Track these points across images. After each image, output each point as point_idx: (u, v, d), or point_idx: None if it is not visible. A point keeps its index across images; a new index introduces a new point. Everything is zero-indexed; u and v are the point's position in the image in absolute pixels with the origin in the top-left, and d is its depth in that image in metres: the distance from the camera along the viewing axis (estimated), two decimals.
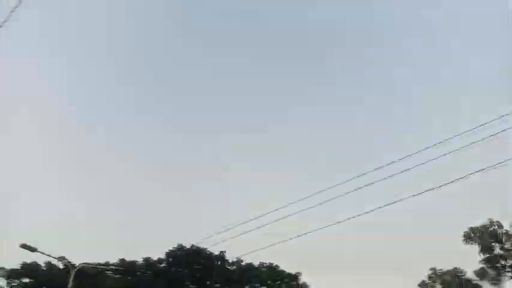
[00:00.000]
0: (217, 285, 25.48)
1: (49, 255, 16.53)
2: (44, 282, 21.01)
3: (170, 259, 24.53)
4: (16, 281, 21.75)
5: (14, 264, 22.38)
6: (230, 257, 25.35)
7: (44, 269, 21.69)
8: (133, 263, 25.50)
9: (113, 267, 22.61)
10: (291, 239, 12.66)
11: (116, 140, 62.96)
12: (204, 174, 52.33)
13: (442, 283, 21.61)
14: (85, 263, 18.14)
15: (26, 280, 21.56)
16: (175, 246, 24.45)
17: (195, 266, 24.80)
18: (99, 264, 23.54)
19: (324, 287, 24.60)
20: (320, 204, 10.89)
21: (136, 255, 25.72)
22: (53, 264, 22.01)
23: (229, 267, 25.29)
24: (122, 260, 25.09)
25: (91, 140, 59.12)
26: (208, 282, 25.85)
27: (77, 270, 21.63)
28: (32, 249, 16.23)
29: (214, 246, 24.21)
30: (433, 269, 22.93)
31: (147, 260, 25.42)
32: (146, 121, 61.98)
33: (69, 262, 17.58)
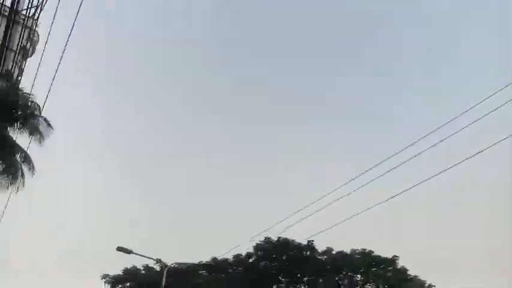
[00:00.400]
0: (308, 276, 24.62)
1: (144, 256, 17.16)
2: (144, 283, 22.12)
3: (259, 253, 24.28)
4: (120, 286, 23.28)
5: (116, 270, 24.16)
6: (320, 246, 24.43)
7: (143, 272, 22.87)
8: (224, 260, 25.82)
9: (204, 263, 22.98)
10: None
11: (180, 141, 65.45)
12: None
13: None
14: (177, 262, 18.58)
15: (128, 284, 22.91)
16: (262, 240, 24.19)
17: (284, 258, 24.27)
18: (192, 264, 24.28)
19: (423, 271, 22.21)
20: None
21: (228, 254, 26.10)
22: (150, 266, 23.15)
23: (319, 257, 24.22)
24: (214, 259, 25.53)
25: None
26: (298, 274, 25.15)
27: (171, 270, 22.56)
28: (128, 252, 16.97)
29: (300, 235, 23.65)
30: None
31: (237, 257, 25.56)
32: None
33: (162, 262, 18.14)
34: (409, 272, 21.85)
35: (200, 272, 24.67)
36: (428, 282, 21.27)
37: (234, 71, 69.69)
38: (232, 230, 38.41)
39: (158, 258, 17.61)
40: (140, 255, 16.96)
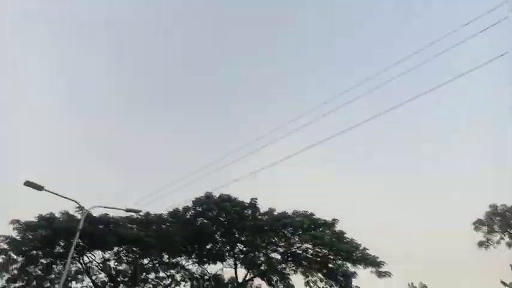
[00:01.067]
0: (246, 236, 23.64)
1: (58, 195, 14.62)
2: (61, 232, 19.43)
3: (198, 208, 22.61)
4: (31, 233, 20.27)
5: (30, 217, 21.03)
6: (262, 206, 23.44)
7: (61, 219, 20.07)
8: (159, 216, 23.86)
9: (136, 214, 20.73)
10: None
11: None
12: None
13: (502, 220, 18.90)
14: (99, 206, 16.26)
15: (43, 232, 19.99)
16: (203, 195, 22.50)
17: (224, 217, 22.93)
18: (120, 217, 21.92)
19: (360, 235, 22.31)
20: None
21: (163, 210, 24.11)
22: (70, 214, 20.45)
23: (260, 217, 23.22)
24: (147, 214, 23.44)
25: None
26: (237, 234, 24.07)
27: (97, 220, 20.07)
28: (39, 188, 14.38)
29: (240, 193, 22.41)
30: (493, 206, 20.12)
31: (173, 212, 23.72)
32: None
33: (80, 204, 15.71)
34: (346, 235, 21.78)
35: (130, 225, 22.40)
36: (363, 246, 21.27)
37: None
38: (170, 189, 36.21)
39: (74, 199, 15.14)
40: (53, 193, 14.39)
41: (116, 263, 22.24)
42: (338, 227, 22.17)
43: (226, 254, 25.96)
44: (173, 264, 24.66)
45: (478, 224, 20.60)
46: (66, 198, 15.27)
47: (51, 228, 19.29)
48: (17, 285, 21.42)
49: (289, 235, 23.05)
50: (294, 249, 23.69)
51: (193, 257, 25.85)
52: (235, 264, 24.51)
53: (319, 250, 22.98)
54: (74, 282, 22.32)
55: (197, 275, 26.57)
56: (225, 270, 26.07)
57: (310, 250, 23.43)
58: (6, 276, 20.41)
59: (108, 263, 21.84)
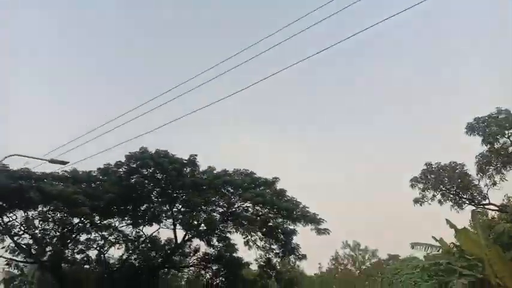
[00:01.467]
0: (185, 195, 22.78)
1: None
2: None
3: (131, 164, 21.19)
4: None
5: None
6: (202, 164, 22.61)
7: None
8: (88, 173, 22.10)
9: (62, 170, 18.91)
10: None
11: None
12: None
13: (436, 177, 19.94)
14: (17, 155, 14.43)
15: None
16: (137, 151, 21.03)
17: (161, 173, 21.81)
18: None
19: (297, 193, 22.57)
20: None
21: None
22: None
23: (199, 176, 22.41)
24: (74, 171, 21.57)
25: None
26: (175, 194, 23.17)
27: (16, 175, 17.98)
28: None
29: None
30: (429, 164, 21.15)
31: (104, 168, 22.06)
32: None
33: None
34: (287, 193, 21.84)
35: (55, 183, 20.43)
36: (303, 204, 21.51)
37: None
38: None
39: None
40: None
41: (42, 222, 20.33)
42: (278, 186, 22.16)
43: (163, 215, 25.07)
44: (105, 226, 23.22)
45: (414, 182, 21.57)
46: None
47: None
48: None
49: (230, 194, 22.62)
50: (234, 209, 23.39)
51: (126, 218, 24.61)
52: (174, 225, 23.76)
53: (260, 209, 22.93)
54: None
55: (132, 237, 25.49)
56: (162, 231, 25.25)
57: (250, 209, 23.31)
58: None
59: (32, 222, 19.85)
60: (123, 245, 25.86)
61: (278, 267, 23.46)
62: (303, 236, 22.33)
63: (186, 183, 21.04)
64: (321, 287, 34.34)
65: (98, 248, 24.03)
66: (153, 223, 25.05)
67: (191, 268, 27.51)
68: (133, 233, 25.30)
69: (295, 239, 22.10)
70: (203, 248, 26.33)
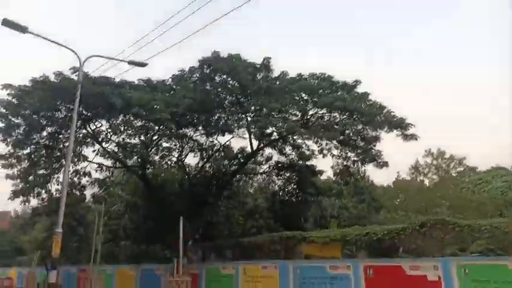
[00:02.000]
0: (256, 104, 21.96)
1: (47, 39, 12.40)
2: (60, 94, 17.78)
3: (205, 69, 20.51)
4: (27, 98, 18.60)
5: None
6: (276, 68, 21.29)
7: (56, 81, 18.18)
8: (162, 81, 22.00)
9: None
10: None
11: None
12: None
13: None
14: (100, 56, 14.17)
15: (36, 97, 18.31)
16: (209, 54, 20.05)
17: (234, 79, 21.00)
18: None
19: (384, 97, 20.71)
20: None
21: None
22: (66, 76, 18.41)
23: (273, 82, 21.27)
24: (148, 80, 21.55)
25: None
26: (245, 97, 22.40)
27: (98, 81, 18.16)
28: (22, 29, 12.08)
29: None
30: None
31: (178, 75, 21.72)
32: None
33: (75, 53, 13.60)
34: (369, 98, 20.10)
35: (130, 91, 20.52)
36: (387, 108, 19.75)
37: None
38: None
39: (68, 46, 13.00)
40: (41, 36, 12.18)
41: (125, 129, 21.02)
42: (360, 90, 20.36)
43: (235, 124, 24.94)
44: (181, 135, 23.70)
45: None
46: (57, 43, 13.15)
47: (49, 89, 17.52)
48: (24, 151, 20.82)
49: (304, 100, 21.40)
50: (308, 116, 22.41)
51: (200, 128, 24.89)
52: (250, 133, 23.48)
53: (337, 115, 21.67)
54: (84, 147, 21.66)
55: (206, 146, 26.09)
56: (235, 140, 25.44)
57: (326, 116, 22.18)
58: (11, 141, 19.54)
59: (118, 128, 20.56)
60: (198, 154, 26.77)
61: (353, 176, 22.83)
62: (384, 143, 20.99)
63: (260, 89, 20.05)
64: (396, 195, 33.75)
65: (176, 156, 25.08)
66: (225, 133, 25.22)
67: (263, 175, 28.10)
68: (207, 142, 25.86)
69: (379, 146, 20.82)
70: (276, 156, 26.40)
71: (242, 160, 25.98)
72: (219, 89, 21.86)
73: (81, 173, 22.05)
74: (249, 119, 23.86)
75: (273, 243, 19.95)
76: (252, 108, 22.91)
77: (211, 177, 25.89)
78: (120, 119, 21.03)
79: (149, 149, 21.60)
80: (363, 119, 19.85)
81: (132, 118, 19.74)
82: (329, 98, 19.82)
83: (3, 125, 18.96)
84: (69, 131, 22.23)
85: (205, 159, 26.48)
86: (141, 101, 18.26)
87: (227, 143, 25.77)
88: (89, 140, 21.29)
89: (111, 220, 29.73)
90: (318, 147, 23.84)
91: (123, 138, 21.79)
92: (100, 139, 21.20)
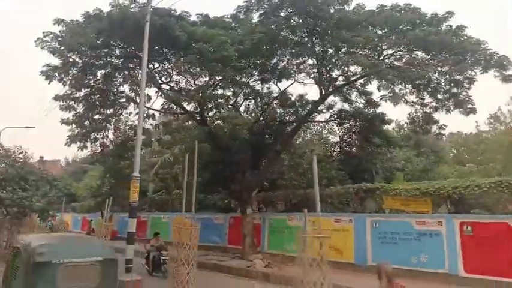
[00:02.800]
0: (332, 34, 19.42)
1: None
2: (118, 30, 16.19)
3: (265, 4, 18.17)
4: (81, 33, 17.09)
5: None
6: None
7: (114, 11, 16.42)
8: (220, 18, 19.97)
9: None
10: None
11: None
12: None
13: None
14: None
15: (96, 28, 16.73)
16: None
17: (298, 15, 18.56)
18: None
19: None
20: None
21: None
22: (125, 7, 16.59)
23: (348, 14, 18.57)
24: (205, 15, 19.53)
25: None
26: (311, 36, 20.03)
27: (161, 12, 16.48)
28: None
29: None
30: None
31: (236, 13, 19.67)
32: None
33: None
34: (464, 33, 17.16)
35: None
36: (486, 44, 16.81)
37: None
38: None
39: None
40: None
41: (189, 67, 19.18)
42: (453, 23, 17.36)
43: (295, 68, 22.83)
44: (236, 81, 21.83)
45: None
46: None
47: (107, 21, 15.88)
48: (81, 93, 19.83)
49: (379, 36, 18.59)
50: (381, 58, 19.78)
51: (255, 74, 22.98)
52: (320, 75, 21.26)
53: (417, 55, 18.96)
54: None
55: (262, 93, 24.31)
56: (295, 86, 23.43)
57: (404, 57, 19.51)
58: (68, 81, 18.45)
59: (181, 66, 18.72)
60: (253, 101, 25.19)
61: (437, 124, 20.40)
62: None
63: (338, 21, 17.54)
64: (472, 147, 31.06)
65: (231, 104, 23.56)
66: (283, 79, 23.26)
67: (323, 124, 26.25)
68: (264, 89, 24.09)
69: (473, 90, 18.14)
70: (339, 104, 24.30)
71: (301, 108, 24.14)
72: (283, 26, 19.50)
73: (145, 115, 20.79)
74: (310, 62, 21.70)
75: (347, 194, 18.45)
76: (317, 49, 20.60)
77: (266, 125, 24.33)
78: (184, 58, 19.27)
79: (207, 92, 20.00)
80: (453, 58, 17.12)
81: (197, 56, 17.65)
82: (411, 34, 17.05)
83: (60, 61, 17.74)
84: (121, 74, 21.12)
85: (259, 107, 24.91)
86: (205, 36, 16.40)
87: (286, 90, 23.88)
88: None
89: (163, 169, 29.28)
90: (389, 92, 21.30)
91: (184, 80, 20.35)
92: (161, 80, 19.82)
